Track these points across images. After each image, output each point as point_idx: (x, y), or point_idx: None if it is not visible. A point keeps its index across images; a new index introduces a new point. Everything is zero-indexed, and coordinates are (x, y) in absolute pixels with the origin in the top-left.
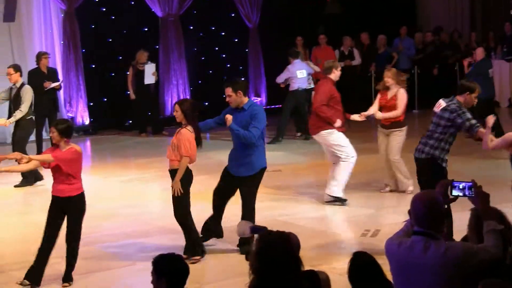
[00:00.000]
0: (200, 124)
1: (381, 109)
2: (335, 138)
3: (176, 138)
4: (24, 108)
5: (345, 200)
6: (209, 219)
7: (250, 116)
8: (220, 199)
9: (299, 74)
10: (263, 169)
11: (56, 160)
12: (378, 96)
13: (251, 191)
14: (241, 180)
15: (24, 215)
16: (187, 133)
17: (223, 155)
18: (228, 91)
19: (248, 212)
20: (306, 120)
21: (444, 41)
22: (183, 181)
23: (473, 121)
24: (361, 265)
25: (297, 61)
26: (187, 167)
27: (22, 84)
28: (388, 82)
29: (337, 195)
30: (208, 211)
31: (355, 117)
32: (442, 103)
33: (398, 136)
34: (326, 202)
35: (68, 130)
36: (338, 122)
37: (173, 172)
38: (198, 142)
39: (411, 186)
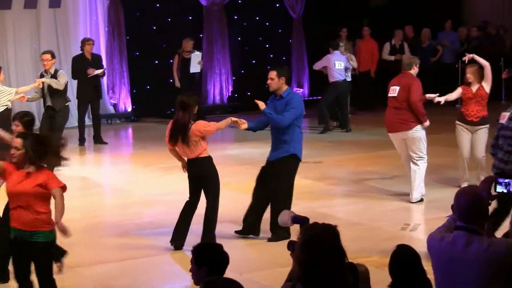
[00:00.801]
0: (253, 125)
1: (463, 103)
2: (423, 135)
3: None
4: (62, 85)
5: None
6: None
7: (286, 103)
8: (259, 201)
9: (337, 65)
10: (294, 155)
11: None
12: (460, 89)
13: (282, 175)
14: (273, 164)
15: None
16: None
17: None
18: (272, 74)
19: (280, 196)
20: (347, 112)
21: (489, 35)
22: None
23: None
24: (404, 258)
25: (337, 53)
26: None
27: (56, 71)
28: (470, 79)
29: (418, 199)
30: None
31: (431, 96)
32: (505, 114)
33: (486, 133)
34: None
35: (32, 123)
36: (428, 121)
37: None
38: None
39: None
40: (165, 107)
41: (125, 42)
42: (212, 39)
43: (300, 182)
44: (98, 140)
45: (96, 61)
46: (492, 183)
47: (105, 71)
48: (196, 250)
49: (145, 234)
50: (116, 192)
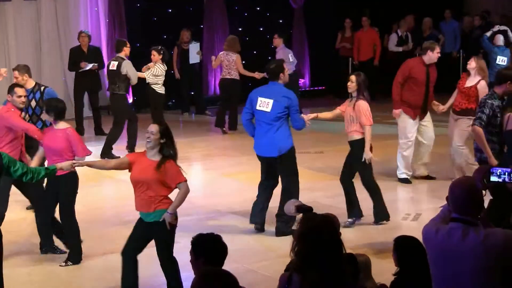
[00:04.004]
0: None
1: None
2: (403, 123)
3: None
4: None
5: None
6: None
7: None
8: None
9: (291, 58)
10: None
11: None
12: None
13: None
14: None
15: None
16: (364, 104)
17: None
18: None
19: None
20: None
21: (492, 25)
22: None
23: (482, 116)
24: (410, 247)
25: (284, 47)
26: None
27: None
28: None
29: (402, 177)
30: None
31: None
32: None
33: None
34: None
35: None
36: (397, 111)
37: (352, 143)
38: None
39: None
40: (166, 99)
41: (126, 34)
42: (212, 29)
43: (302, 172)
44: (99, 131)
45: (91, 54)
46: (486, 173)
47: (104, 64)
48: (194, 241)
49: None
50: (117, 183)
